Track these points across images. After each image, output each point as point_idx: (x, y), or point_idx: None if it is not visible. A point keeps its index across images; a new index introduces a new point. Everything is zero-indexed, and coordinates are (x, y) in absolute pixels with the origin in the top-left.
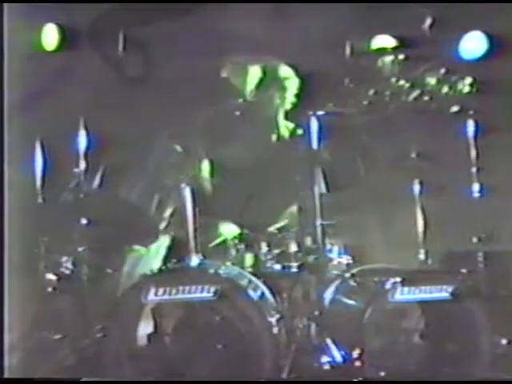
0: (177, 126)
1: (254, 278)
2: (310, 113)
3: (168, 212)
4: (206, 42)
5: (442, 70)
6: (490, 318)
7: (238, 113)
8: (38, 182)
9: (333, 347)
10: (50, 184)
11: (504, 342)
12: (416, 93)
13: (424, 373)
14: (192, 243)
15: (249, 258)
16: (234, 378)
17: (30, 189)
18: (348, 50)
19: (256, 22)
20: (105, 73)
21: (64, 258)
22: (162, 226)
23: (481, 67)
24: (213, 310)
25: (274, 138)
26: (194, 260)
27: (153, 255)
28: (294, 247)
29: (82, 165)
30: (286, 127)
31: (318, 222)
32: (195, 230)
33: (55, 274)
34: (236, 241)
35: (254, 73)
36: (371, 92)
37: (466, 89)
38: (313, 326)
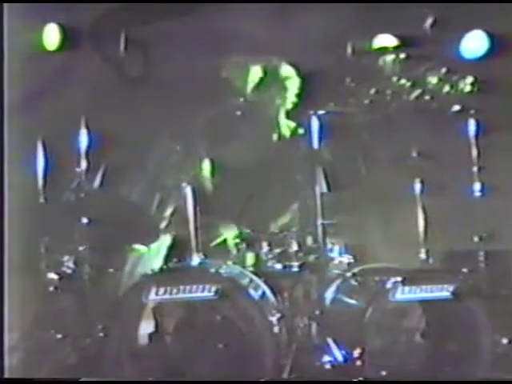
0: (178, 126)
1: (254, 278)
2: (311, 112)
3: (169, 211)
4: (207, 41)
5: (444, 70)
6: (491, 318)
7: (238, 112)
8: (40, 182)
9: (334, 347)
10: (52, 183)
11: (505, 341)
12: (417, 92)
13: (425, 372)
14: (193, 242)
15: (250, 258)
16: (235, 377)
17: (32, 188)
18: (349, 50)
19: (257, 22)
20: (106, 72)
21: (65, 258)
22: (163, 225)
23: (482, 66)
24: (214, 309)
25: (274, 137)
26: (195, 259)
27: (154, 254)
28: (294, 247)
29: (83, 164)
30: (286, 127)
31: (319, 221)
32: (196, 230)
33: (56, 274)
34: (237, 240)
35: (255, 72)
36: (372, 91)
37: (468, 88)
38: (314, 326)
